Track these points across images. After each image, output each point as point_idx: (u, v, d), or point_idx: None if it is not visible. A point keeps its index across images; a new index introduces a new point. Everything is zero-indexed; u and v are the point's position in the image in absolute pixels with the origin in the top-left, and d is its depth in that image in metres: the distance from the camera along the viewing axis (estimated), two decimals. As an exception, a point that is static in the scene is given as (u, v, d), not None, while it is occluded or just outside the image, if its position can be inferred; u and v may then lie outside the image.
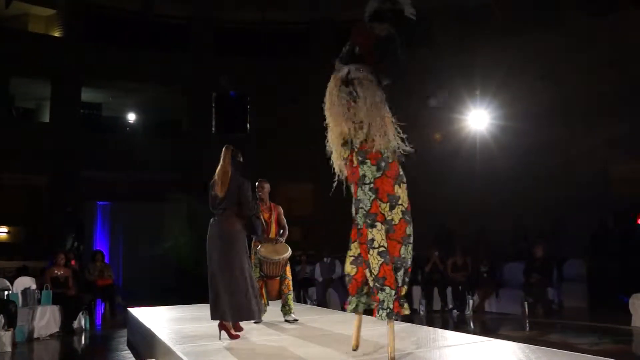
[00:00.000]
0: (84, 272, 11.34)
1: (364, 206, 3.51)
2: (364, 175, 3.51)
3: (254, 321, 5.68)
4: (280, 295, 6.25)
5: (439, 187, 14.12)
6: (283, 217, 6.45)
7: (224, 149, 5.26)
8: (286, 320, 6.10)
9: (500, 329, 8.77)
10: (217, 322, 4.97)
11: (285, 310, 6.19)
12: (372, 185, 3.50)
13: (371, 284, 3.47)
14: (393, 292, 3.43)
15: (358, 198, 3.55)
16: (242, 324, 5.15)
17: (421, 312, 10.46)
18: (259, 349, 4.53)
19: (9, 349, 7.21)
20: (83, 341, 8.59)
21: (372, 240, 3.44)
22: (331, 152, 3.69)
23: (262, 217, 6.27)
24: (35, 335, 8.25)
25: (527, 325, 9.16)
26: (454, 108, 14.30)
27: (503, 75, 13.69)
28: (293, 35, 19.05)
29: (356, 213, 3.62)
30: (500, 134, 13.91)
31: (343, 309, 10.24)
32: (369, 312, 3.76)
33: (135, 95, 19.06)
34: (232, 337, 4.90)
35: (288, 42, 19.02)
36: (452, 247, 11.69)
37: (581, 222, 12.36)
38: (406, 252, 3.52)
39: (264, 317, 6.05)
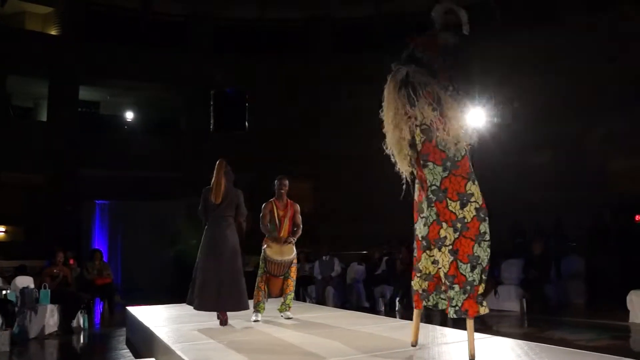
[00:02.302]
0: (82, 271, 11.34)
1: (433, 205, 3.52)
2: (428, 178, 3.53)
3: (253, 320, 5.89)
4: (281, 293, 6.26)
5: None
6: (299, 215, 6.42)
7: (217, 162, 5.84)
8: (281, 316, 6.15)
9: (499, 325, 8.78)
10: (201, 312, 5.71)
11: (282, 308, 6.22)
12: (439, 186, 3.51)
13: (443, 280, 3.53)
14: (461, 290, 3.45)
15: (430, 197, 3.55)
16: (242, 322, 5.53)
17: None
18: (259, 347, 4.53)
19: (7, 348, 7.19)
20: (82, 340, 8.58)
21: (445, 238, 3.48)
22: (393, 156, 3.66)
23: (275, 215, 6.25)
24: (34, 335, 8.23)
25: (526, 321, 9.18)
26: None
27: (502, 72, 13.67)
28: (291, 33, 19.03)
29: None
30: (498, 131, 13.89)
31: (341, 307, 10.27)
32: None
33: (134, 94, 19.04)
34: (226, 322, 5.67)
35: (286, 40, 19.00)
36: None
37: (579, 218, 12.37)
38: (480, 251, 3.54)
39: (264, 314, 6.10)
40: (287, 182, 6.35)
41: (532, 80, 14.04)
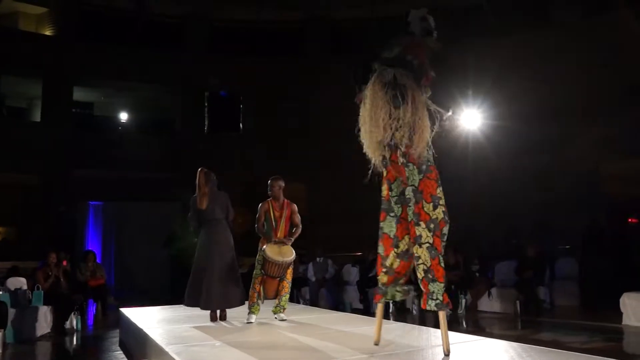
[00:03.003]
0: (76, 272, 11.29)
1: (412, 205, 3.70)
2: (408, 177, 3.72)
3: (246, 321, 5.90)
4: (276, 295, 6.24)
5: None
6: (297, 215, 6.37)
7: (198, 171, 6.27)
8: (275, 318, 6.14)
9: (493, 327, 8.80)
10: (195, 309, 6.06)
11: (277, 309, 6.20)
12: (417, 186, 3.70)
13: (422, 274, 3.67)
14: (442, 285, 3.65)
15: (407, 196, 3.73)
16: (236, 323, 5.66)
17: (414, 312, 10.47)
18: (253, 348, 4.52)
19: (-1, 349, 7.17)
20: (75, 342, 8.55)
21: (420, 236, 3.66)
22: (368, 152, 3.80)
23: (271, 216, 6.22)
24: (26, 336, 8.20)
25: (519, 324, 9.20)
26: (447, 108, 14.28)
27: (495, 74, 13.72)
28: (287, 34, 19.03)
29: (402, 209, 3.84)
30: (492, 133, 13.94)
31: (335, 308, 10.27)
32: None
33: (128, 94, 19.00)
34: (216, 320, 6.03)
35: (282, 41, 18.99)
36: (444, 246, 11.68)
37: (572, 221, 12.41)
38: (443, 250, 3.76)
39: (258, 315, 6.07)
40: (281, 182, 6.32)
41: (525, 82, 14.09)
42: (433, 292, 3.64)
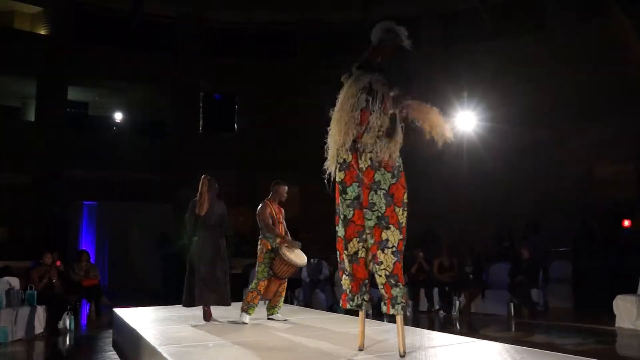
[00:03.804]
0: (69, 272, 11.24)
1: (378, 209, 3.68)
2: (379, 181, 3.70)
3: (242, 321, 5.94)
4: (273, 295, 6.22)
5: (424, 187, 14.16)
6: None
7: (202, 178, 6.47)
8: (269, 318, 6.14)
9: (486, 329, 8.81)
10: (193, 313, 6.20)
11: (275, 311, 6.20)
12: (387, 190, 3.69)
13: (384, 279, 3.68)
14: (404, 287, 3.70)
15: (372, 201, 3.70)
16: (230, 324, 5.73)
17: (408, 313, 10.49)
18: (247, 348, 4.51)
19: (-8, 349, 7.14)
20: (68, 342, 8.50)
21: (387, 240, 3.66)
22: (328, 156, 3.85)
23: (274, 217, 6.21)
24: (19, 336, 8.16)
25: (513, 326, 9.22)
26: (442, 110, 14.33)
27: (490, 77, 13.77)
28: (280, 36, 19.04)
29: (354, 213, 3.82)
30: (487, 135, 13.99)
31: (329, 310, 10.27)
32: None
33: (122, 95, 18.97)
34: (210, 318, 6.18)
35: (275, 43, 18.99)
36: (438, 248, 11.71)
37: (566, 223, 12.45)
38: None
39: (253, 316, 6.06)
40: (285, 187, 6.42)
41: (519, 86, 14.14)
42: (396, 296, 3.69)
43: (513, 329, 8.93)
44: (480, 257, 11.74)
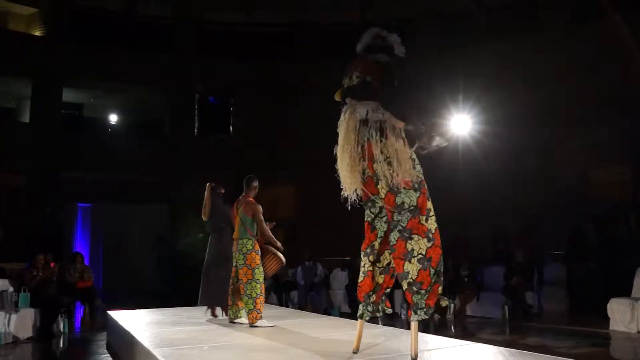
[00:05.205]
0: (63, 274, 11.20)
1: (401, 225, 3.66)
2: (403, 202, 3.67)
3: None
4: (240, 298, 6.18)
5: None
6: None
7: (207, 185, 7.00)
8: (233, 322, 6.10)
9: (481, 332, 8.82)
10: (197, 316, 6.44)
11: (240, 313, 6.12)
12: (415, 205, 3.68)
13: (406, 286, 3.66)
14: (425, 292, 3.65)
15: (396, 219, 3.69)
16: (225, 326, 5.81)
17: (402, 316, 10.48)
18: (241, 351, 4.50)
19: (-15, 352, 7.11)
20: (62, 344, 8.48)
21: (412, 250, 3.64)
22: (342, 181, 3.84)
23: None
24: (12, 339, 8.13)
25: (508, 328, 9.23)
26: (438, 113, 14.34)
27: (485, 79, 13.79)
28: (277, 37, 19.03)
29: (379, 227, 3.88)
30: (482, 137, 14.00)
31: (324, 313, 10.27)
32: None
33: (118, 96, 18.91)
34: (215, 315, 6.71)
35: (272, 44, 18.98)
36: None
37: (561, 226, 12.47)
38: (442, 258, 3.78)
39: (243, 319, 6.03)
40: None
41: (515, 88, 14.16)
42: (417, 303, 3.67)
43: (507, 332, 8.95)
44: (475, 260, 11.76)
